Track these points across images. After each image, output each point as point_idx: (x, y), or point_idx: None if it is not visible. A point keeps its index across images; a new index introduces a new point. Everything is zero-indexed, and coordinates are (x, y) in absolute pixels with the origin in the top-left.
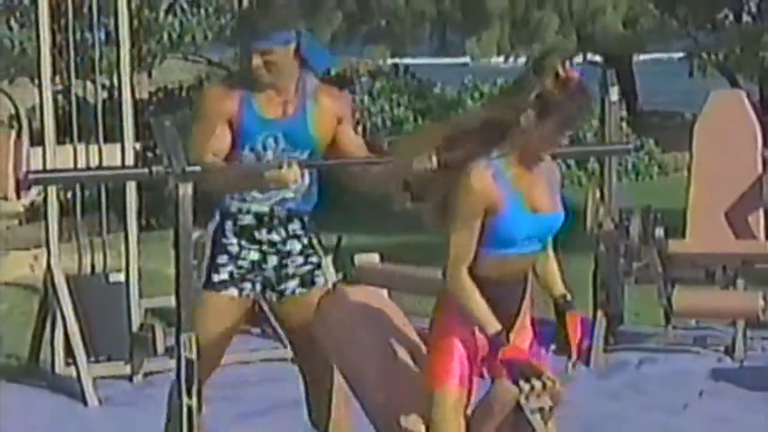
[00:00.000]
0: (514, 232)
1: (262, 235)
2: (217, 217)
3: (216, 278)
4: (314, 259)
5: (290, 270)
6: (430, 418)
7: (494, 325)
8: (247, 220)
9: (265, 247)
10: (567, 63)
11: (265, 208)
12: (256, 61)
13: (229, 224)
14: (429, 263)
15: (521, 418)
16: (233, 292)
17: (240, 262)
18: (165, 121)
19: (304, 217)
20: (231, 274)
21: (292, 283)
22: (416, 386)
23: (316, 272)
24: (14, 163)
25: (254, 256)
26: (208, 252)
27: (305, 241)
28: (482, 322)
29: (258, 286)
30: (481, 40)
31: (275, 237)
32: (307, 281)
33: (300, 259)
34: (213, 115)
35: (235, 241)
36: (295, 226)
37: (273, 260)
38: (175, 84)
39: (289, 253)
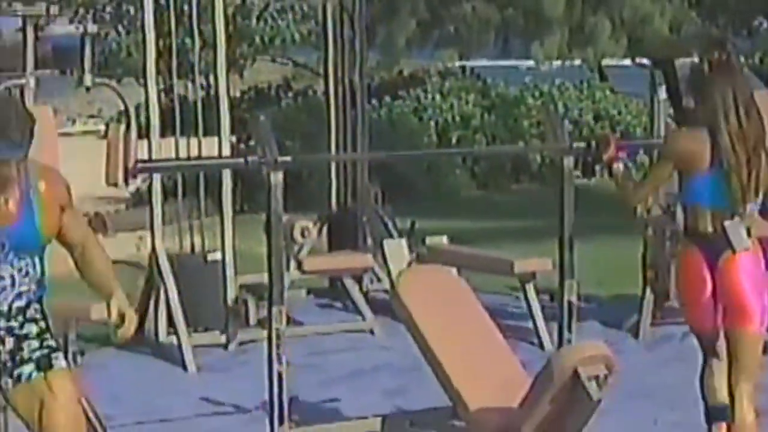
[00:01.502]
0: None
1: (1, 323)
2: None
3: None
4: (51, 342)
5: (25, 353)
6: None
7: None
8: None
9: (2, 333)
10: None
11: (4, 308)
12: (13, 171)
13: None
14: (492, 245)
15: (578, 385)
16: None
17: None
18: (260, 117)
19: (40, 300)
20: None
21: (27, 368)
22: (486, 352)
23: (53, 355)
24: (124, 154)
25: None
26: None
27: (42, 325)
28: None
29: None
30: (543, 44)
31: (13, 323)
32: (44, 365)
33: (35, 343)
34: None
35: None
36: (32, 311)
37: (9, 343)
38: (265, 84)
39: (26, 336)
